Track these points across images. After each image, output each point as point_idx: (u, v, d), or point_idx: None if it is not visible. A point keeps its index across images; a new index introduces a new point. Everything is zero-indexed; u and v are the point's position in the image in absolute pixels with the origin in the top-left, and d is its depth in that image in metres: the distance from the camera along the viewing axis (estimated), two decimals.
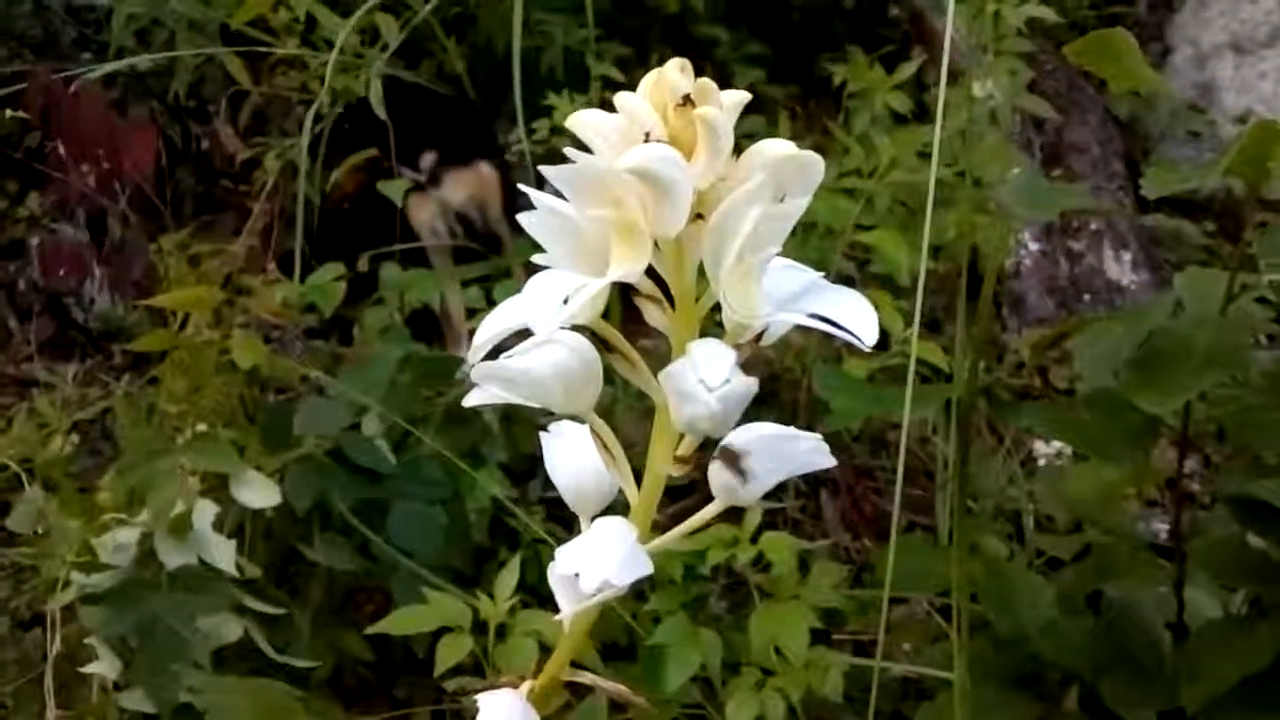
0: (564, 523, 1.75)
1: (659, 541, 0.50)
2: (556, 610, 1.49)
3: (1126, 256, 2.14)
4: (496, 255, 2.13)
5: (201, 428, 1.39)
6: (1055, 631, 1.28)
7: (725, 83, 1.98)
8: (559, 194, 0.44)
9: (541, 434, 0.50)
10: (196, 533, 1.23)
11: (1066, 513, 1.69)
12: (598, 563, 0.46)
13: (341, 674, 1.61)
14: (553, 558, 1.58)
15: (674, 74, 0.46)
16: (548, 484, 1.92)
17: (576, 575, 0.46)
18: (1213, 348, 0.92)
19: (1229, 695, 1.11)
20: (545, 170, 0.44)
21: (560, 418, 0.51)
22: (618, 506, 0.51)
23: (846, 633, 1.59)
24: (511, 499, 1.63)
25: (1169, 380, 0.91)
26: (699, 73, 2.02)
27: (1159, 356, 0.95)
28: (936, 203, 1.83)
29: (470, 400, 0.50)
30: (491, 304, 2.03)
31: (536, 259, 0.46)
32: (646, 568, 0.47)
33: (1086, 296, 2.13)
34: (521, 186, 0.45)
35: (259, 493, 1.28)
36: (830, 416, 1.18)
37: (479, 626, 1.13)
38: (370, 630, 1.14)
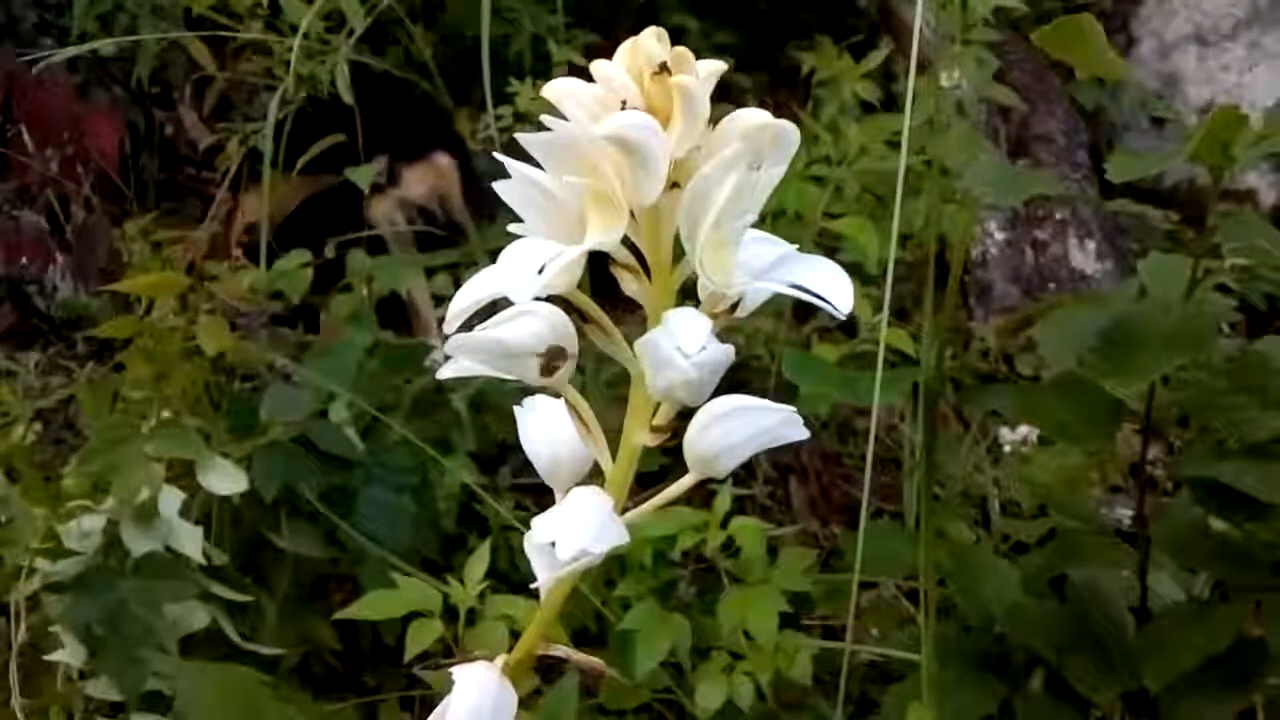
0: (535, 510, 1.75)
1: (634, 513, 0.50)
2: (527, 595, 1.49)
3: (1091, 245, 2.16)
4: (462, 242, 2.12)
5: (166, 414, 1.38)
6: (1021, 615, 1.30)
7: None
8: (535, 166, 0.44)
9: (516, 408, 0.50)
10: (163, 519, 1.22)
11: (1031, 498, 1.71)
12: (574, 531, 0.46)
13: (309, 662, 1.61)
14: (522, 543, 1.58)
15: (650, 43, 0.46)
16: (517, 470, 1.92)
17: (553, 544, 0.46)
18: (1177, 331, 0.94)
19: (1191, 676, 1.13)
20: (521, 137, 0.44)
21: (533, 391, 0.51)
22: (591, 480, 0.51)
23: (815, 618, 1.60)
24: (481, 486, 1.62)
25: (1133, 363, 0.92)
26: None
27: (1124, 340, 0.96)
28: (905, 191, 1.84)
29: (444, 373, 0.50)
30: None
31: (512, 228, 0.46)
32: (622, 536, 0.47)
33: (1052, 285, 2.15)
34: (498, 156, 0.45)
35: (226, 479, 1.28)
36: (799, 401, 1.19)
37: (449, 612, 1.13)
38: (339, 615, 1.14)
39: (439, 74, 2.34)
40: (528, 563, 1.62)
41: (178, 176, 2.46)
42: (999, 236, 2.16)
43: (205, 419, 1.46)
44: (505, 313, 0.47)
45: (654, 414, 0.49)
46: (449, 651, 1.24)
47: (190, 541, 1.22)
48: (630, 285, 0.47)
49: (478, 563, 1.12)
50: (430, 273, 1.98)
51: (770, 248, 0.47)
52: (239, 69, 2.29)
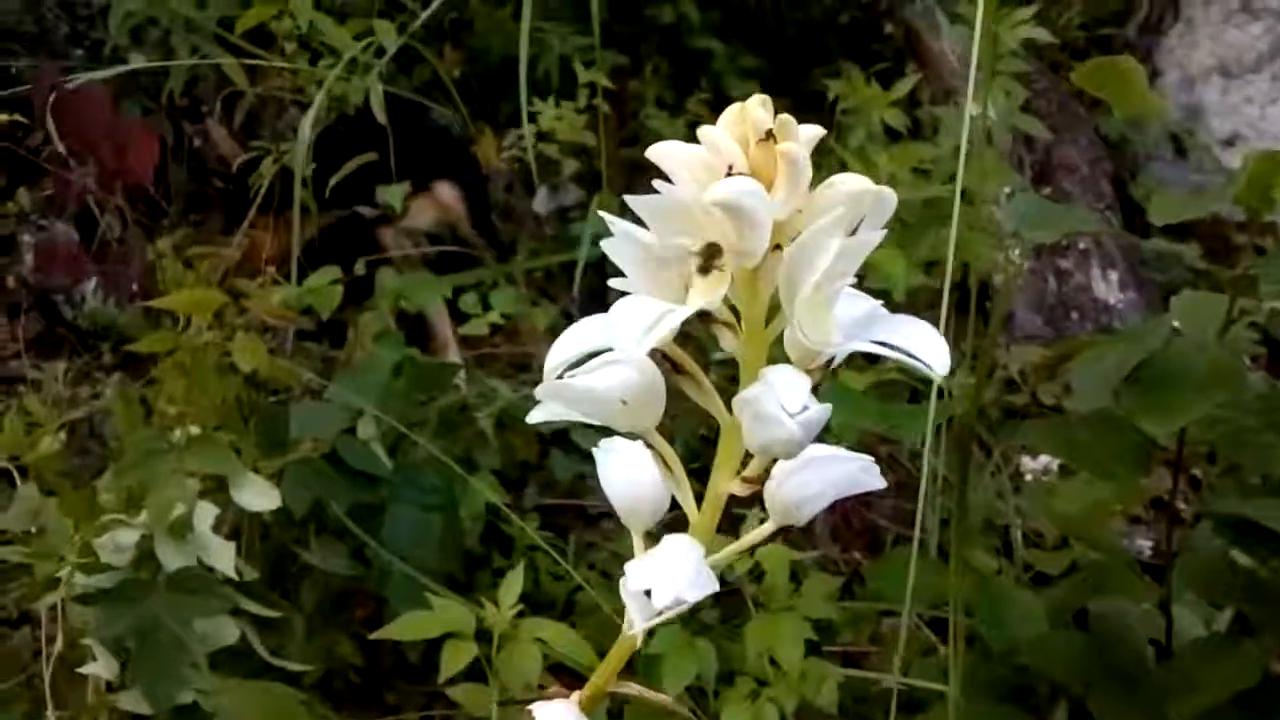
0: (559, 530, 1.76)
1: (717, 557, 0.51)
2: (556, 617, 1.50)
3: (1114, 275, 2.16)
4: (478, 264, 2.14)
5: (195, 429, 1.39)
6: (1046, 646, 1.30)
7: (720, 95, 2.01)
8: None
9: (594, 450, 0.51)
10: (196, 535, 1.23)
11: (1055, 529, 1.71)
12: (670, 579, 0.47)
13: (331, 678, 1.61)
14: (548, 564, 1.58)
15: (757, 109, 0.47)
16: (543, 491, 1.93)
17: (648, 592, 0.47)
18: (1212, 371, 0.94)
19: (1216, 712, 1.13)
20: (630, 200, 0.45)
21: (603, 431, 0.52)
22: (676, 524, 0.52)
23: (837, 644, 1.61)
24: (506, 505, 1.63)
25: (1170, 402, 0.92)
26: (694, 84, 2.04)
27: (1159, 379, 0.96)
28: (932, 220, 1.85)
29: (534, 417, 0.51)
30: (488, 310, 2.05)
31: (614, 283, 0.48)
32: (713, 584, 0.48)
33: (1074, 314, 2.16)
34: (603, 215, 0.46)
35: (260, 496, 1.29)
36: (829, 434, 1.19)
37: (479, 633, 1.14)
38: (375, 635, 1.15)
39: (464, 93, 2.36)
40: (554, 585, 1.63)
41: (206, 189, 2.48)
42: (1024, 265, 2.17)
43: (235, 434, 1.48)
44: (595, 360, 0.48)
45: (741, 462, 0.50)
46: (473, 671, 1.25)
47: (223, 557, 1.23)
48: (728, 342, 0.48)
49: (512, 585, 1.13)
50: (458, 292, 2.00)
51: (859, 302, 0.49)
52: (269, 85, 2.32)
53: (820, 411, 0.45)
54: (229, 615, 1.27)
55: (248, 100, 2.33)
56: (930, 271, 1.87)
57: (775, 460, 0.49)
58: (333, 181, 1.85)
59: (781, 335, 0.48)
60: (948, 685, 1.23)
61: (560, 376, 0.48)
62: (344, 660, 1.58)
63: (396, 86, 2.17)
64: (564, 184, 2.44)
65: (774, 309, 0.47)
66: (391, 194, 1.90)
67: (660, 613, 0.47)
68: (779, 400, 0.44)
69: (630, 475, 0.50)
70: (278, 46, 2.08)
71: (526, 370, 2.09)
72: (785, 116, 0.47)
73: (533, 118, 2.14)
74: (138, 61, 2.29)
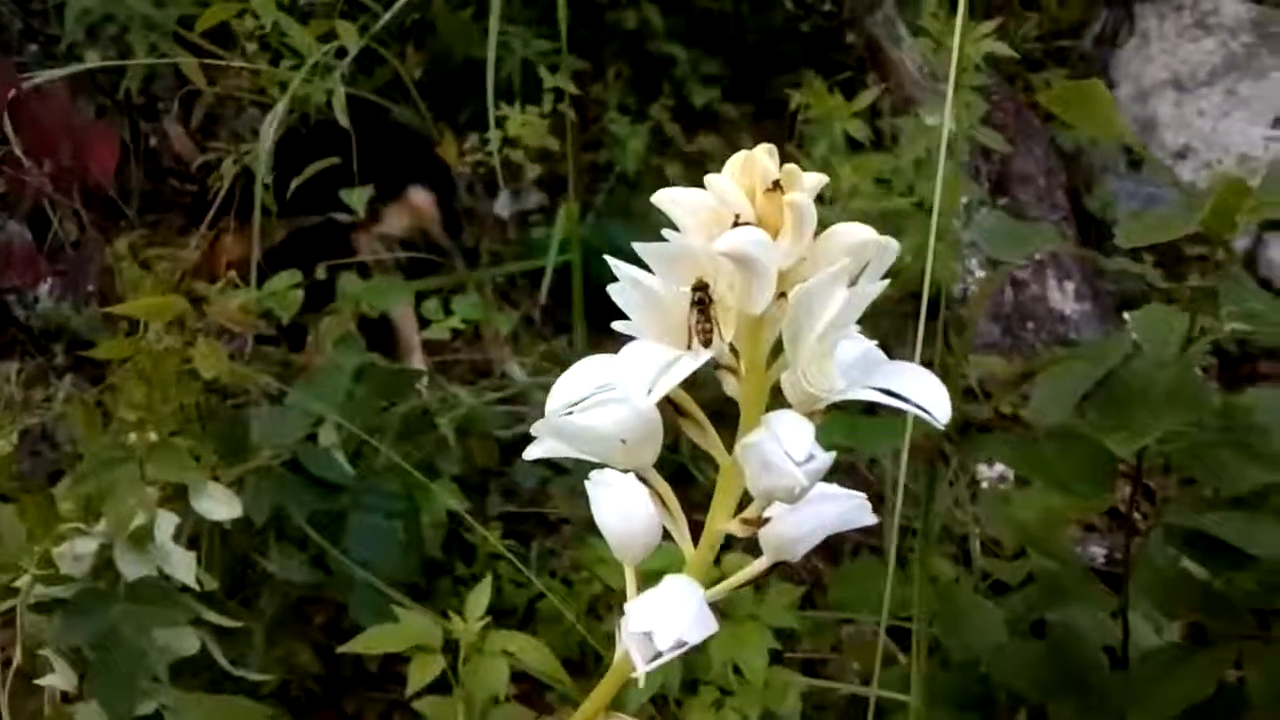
0: (521, 537, 1.75)
1: (712, 591, 0.52)
2: (517, 624, 1.49)
3: (1070, 286, 2.19)
4: (446, 269, 2.13)
5: (153, 436, 1.37)
6: (1005, 655, 1.31)
7: (682, 101, 2.00)
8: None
9: (587, 483, 0.51)
10: (157, 544, 1.22)
11: (1012, 538, 1.73)
12: (672, 621, 0.47)
13: (289, 686, 1.60)
14: (511, 572, 1.57)
15: (763, 159, 0.47)
16: (505, 497, 1.92)
17: (650, 634, 0.47)
18: (1175, 390, 0.96)
19: None
20: (639, 247, 0.45)
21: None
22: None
23: (797, 652, 1.62)
24: (468, 512, 1.63)
25: (1133, 422, 0.94)
26: (656, 90, 2.04)
27: (1123, 397, 0.98)
28: (892, 230, 1.86)
29: (530, 454, 0.51)
30: (450, 315, 2.04)
31: (618, 326, 0.48)
32: (712, 625, 0.49)
33: (1030, 324, 2.19)
34: (608, 259, 0.47)
35: (221, 505, 1.27)
36: None
37: (446, 643, 1.14)
38: (343, 649, 1.14)
39: (425, 95, 2.35)
40: (515, 592, 1.62)
41: (161, 188, 2.45)
42: (979, 274, 2.20)
43: (194, 440, 1.46)
44: (593, 399, 0.48)
45: (737, 502, 0.50)
46: (438, 681, 1.24)
47: (184, 567, 1.22)
48: (731, 386, 0.48)
49: (479, 597, 1.13)
50: (420, 298, 1.99)
51: (854, 344, 0.49)
52: (228, 84, 2.29)
53: (825, 459, 0.46)
54: (190, 625, 1.25)
55: (206, 100, 2.30)
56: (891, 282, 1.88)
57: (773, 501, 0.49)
58: (294, 185, 1.83)
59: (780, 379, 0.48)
60: (909, 695, 1.25)
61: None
62: (302, 667, 1.56)
63: (357, 88, 2.16)
64: (526, 188, 2.43)
65: (773, 351, 0.48)
66: (356, 197, 1.88)
67: (661, 654, 0.47)
68: (784, 448, 0.45)
69: (623, 509, 0.50)
70: (238, 46, 2.06)
71: (488, 376, 2.08)
72: (791, 167, 0.48)
73: (499, 122, 2.13)
74: (93, 59, 2.25)
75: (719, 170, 0.47)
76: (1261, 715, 1.16)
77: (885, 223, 1.93)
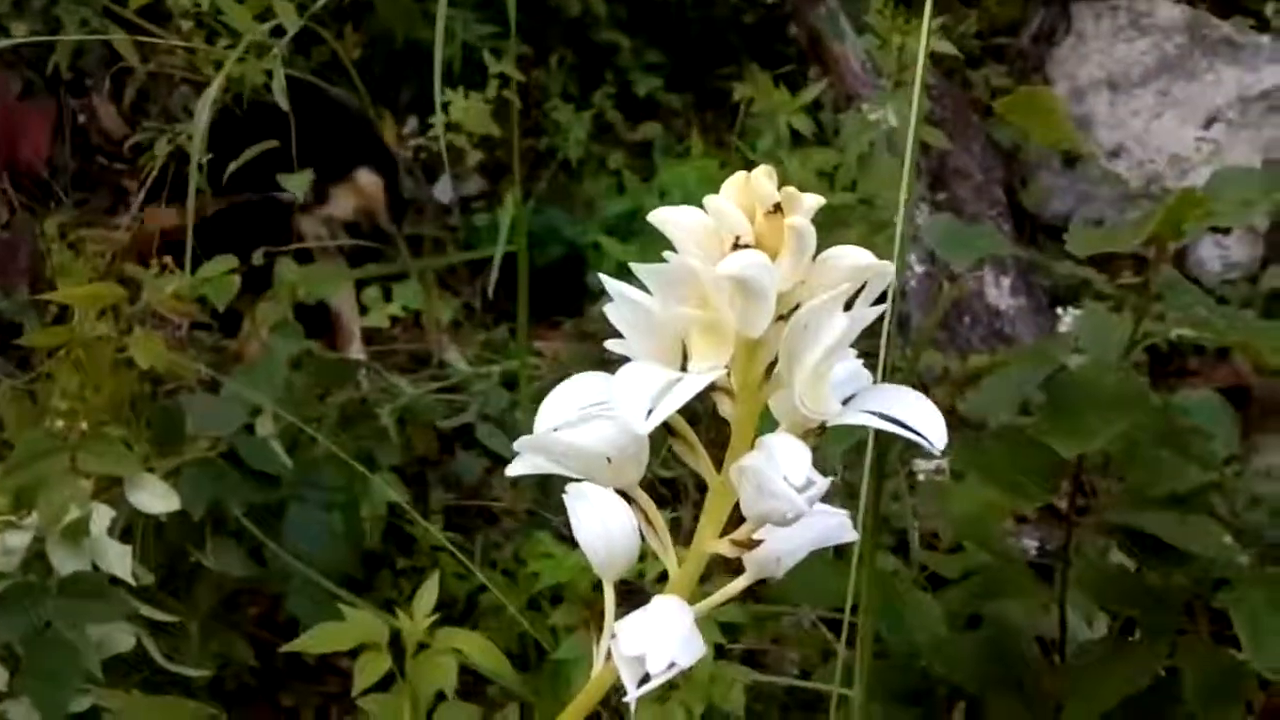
0: (462, 529, 1.74)
1: (696, 608, 0.51)
2: (458, 616, 1.47)
3: (1005, 282, 2.23)
4: (388, 256, 2.10)
5: (84, 425, 1.34)
6: (944, 649, 1.33)
7: (625, 89, 1.99)
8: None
9: (565, 495, 0.50)
10: (92, 538, 1.19)
11: (950, 531, 1.75)
12: (664, 645, 0.47)
13: (223, 680, 1.57)
14: (454, 567, 1.55)
15: (764, 182, 0.47)
16: (446, 488, 1.90)
17: (641, 658, 0.47)
18: (1119, 392, 0.98)
19: (1110, 715, 1.18)
20: (636, 267, 0.45)
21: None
22: None
23: (738, 643, 1.63)
24: (407, 504, 1.61)
25: (1078, 425, 0.96)
26: (599, 78, 2.03)
27: (1068, 401, 1.00)
28: (834, 225, 1.87)
29: (514, 470, 0.50)
30: (390, 302, 2.01)
31: (611, 345, 0.47)
32: (702, 647, 0.49)
33: (966, 319, 2.21)
34: (602, 277, 0.46)
35: (157, 499, 1.24)
36: None
37: (391, 639, 1.12)
38: (288, 648, 1.12)
39: (364, 77, 2.31)
40: (456, 584, 1.60)
41: (90, 168, 2.39)
42: (918, 269, 2.22)
43: (128, 430, 1.42)
44: (577, 415, 0.47)
45: (724, 521, 0.50)
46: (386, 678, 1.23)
47: (120, 562, 1.19)
48: (726, 407, 0.48)
49: (426, 595, 1.11)
50: (360, 285, 1.96)
51: (843, 364, 0.49)
52: (160, 61, 2.23)
53: (823, 485, 0.46)
54: (124, 620, 1.22)
55: (138, 77, 2.25)
56: None
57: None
58: (232, 167, 1.79)
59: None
60: (849, 688, 1.26)
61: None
62: (237, 660, 1.54)
63: (294, 68, 2.11)
64: (467, 173, 2.41)
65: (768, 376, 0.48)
66: (296, 182, 1.84)
67: (650, 677, 0.47)
68: (782, 473, 0.45)
69: (602, 524, 0.50)
70: (173, 23, 2.01)
71: (427, 365, 2.06)
72: (791, 189, 0.47)
73: (445, 106, 2.10)
74: (20, 32, 2.19)
75: (661, 159, 0.46)
76: (1193, 707, 1.19)
77: (826, 217, 1.94)
